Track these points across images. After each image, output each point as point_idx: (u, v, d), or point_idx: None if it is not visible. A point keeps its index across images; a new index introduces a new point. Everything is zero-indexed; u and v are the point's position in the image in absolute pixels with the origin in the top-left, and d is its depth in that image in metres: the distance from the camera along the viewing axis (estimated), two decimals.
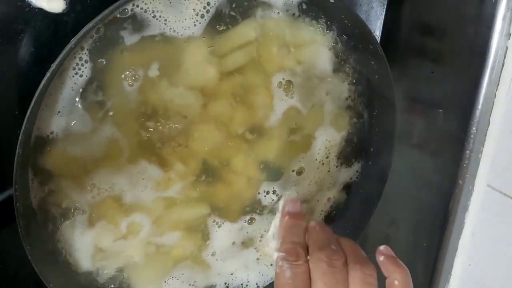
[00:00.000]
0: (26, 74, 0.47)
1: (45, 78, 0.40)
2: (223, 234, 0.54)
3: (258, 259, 0.57)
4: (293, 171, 0.56)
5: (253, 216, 0.55)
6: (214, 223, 0.54)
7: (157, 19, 0.45)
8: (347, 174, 0.59)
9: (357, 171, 0.59)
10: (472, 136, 0.51)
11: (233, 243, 0.55)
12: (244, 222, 0.55)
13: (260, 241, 0.57)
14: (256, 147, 0.53)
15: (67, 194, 0.47)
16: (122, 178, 0.49)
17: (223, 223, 0.54)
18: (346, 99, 0.56)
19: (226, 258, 0.55)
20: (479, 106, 0.51)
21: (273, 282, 0.58)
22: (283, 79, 0.52)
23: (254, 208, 0.55)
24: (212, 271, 0.55)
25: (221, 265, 0.55)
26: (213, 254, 0.55)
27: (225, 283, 0.57)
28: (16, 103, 0.47)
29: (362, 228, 0.58)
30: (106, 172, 0.48)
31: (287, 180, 0.56)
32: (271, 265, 0.58)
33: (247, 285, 0.58)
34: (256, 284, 0.58)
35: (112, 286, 0.52)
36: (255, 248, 0.57)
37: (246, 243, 0.56)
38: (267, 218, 0.56)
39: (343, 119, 0.57)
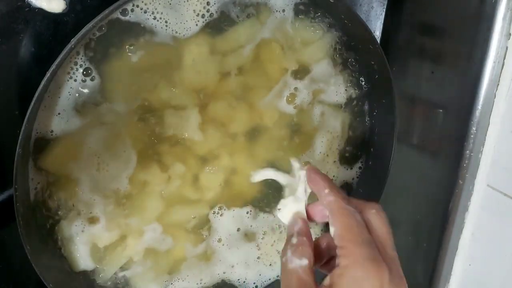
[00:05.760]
0: (26, 74, 0.47)
1: (45, 78, 0.40)
2: (226, 221, 0.55)
3: (258, 257, 0.57)
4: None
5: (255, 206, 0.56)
6: (217, 214, 0.54)
7: (157, 19, 0.45)
8: (348, 174, 0.59)
9: (357, 171, 0.59)
10: (472, 136, 0.51)
11: (238, 229, 0.55)
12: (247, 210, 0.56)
13: (262, 238, 0.57)
14: (257, 147, 0.53)
15: (67, 194, 0.47)
16: (122, 177, 0.49)
17: (224, 211, 0.54)
18: (346, 99, 0.56)
19: (231, 246, 0.56)
20: (479, 106, 0.51)
21: (270, 283, 0.58)
22: (283, 78, 0.52)
23: (257, 203, 0.56)
24: (216, 257, 0.56)
25: (226, 251, 0.56)
26: (219, 240, 0.55)
27: (224, 272, 0.57)
28: (16, 103, 0.47)
29: None
30: (105, 172, 0.48)
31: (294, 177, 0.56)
32: (270, 265, 0.58)
33: (244, 282, 0.58)
34: (254, 283, 0.58)
35: (112, 285, 0.52)
36: (257, 246, 0.57)
37: (248, 235, 0.56)
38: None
39: (343, 118, 0.57)
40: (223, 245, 0.55)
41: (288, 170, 0.55)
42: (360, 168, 0.59)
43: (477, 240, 0.54)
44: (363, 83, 0.56)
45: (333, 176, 0.58)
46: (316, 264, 0.40)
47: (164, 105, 0.48)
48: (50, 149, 0.46)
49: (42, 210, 0.47)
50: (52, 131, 0.45)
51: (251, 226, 0.56)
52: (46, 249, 0.47)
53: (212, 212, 0.54)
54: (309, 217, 0.41)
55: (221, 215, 0.54)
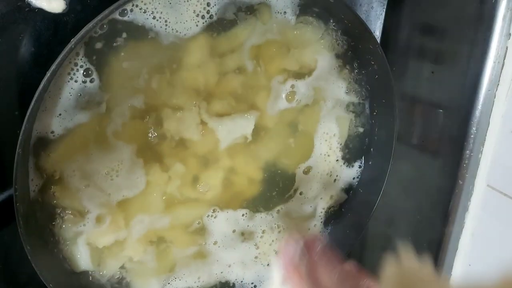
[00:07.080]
0: (26, 74, 0.47)
1: (45, 79, 0.40)
2: (221, 223, 0.55)
3: (256, 257, 0.57)
4: (300, 169, 0.56)
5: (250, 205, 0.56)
6: (211, 217, 0.54)
7: (156, 19, 0.45)
8: (348, 173, 0.59)
9: (357, 171, 0.59)
10: (472, 136, 0.51)
11: (234, 231, 0.55)
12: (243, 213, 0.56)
13: (261, 237, 0.57)
14: (257, 147, 0.53)
15: (67, 194, 0.47)
16: (122, 178, 0.49)
17: (218, 213, 0.54)
18: (346, 98, 0.56)
19: (227, 246, 0.56)
20: (479, 106, 0.51)
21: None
22: (283, 79, 0.52)
23: (256, 203, 0.56)
24: (212, 257, 0.55)
25: (222, 252, 0.56)
26: (215, 243, 0.55)
27: (221, 272, 0.56)
28: (16, 103, 0.47)
29: (362, 228, 0.58)
30: (106, 173, 0.48)
31: (296, 179, 0.57)
32: (268, 265, 0.58)
33: (242, 281, 0.58)
34: (252, 283, 0.58)
35: (112, 285, 0.52)
36: (255, 245, 0.57)
37: (246, 234, 0.56)
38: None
39: (343, 118, 0.57)
40: (219, 247, 0.55)
41: (286, 171, 0.55)
42: (360, 167, 0.59)
43: (477, 240, 0.54)
44: (363, 83, 0.56)
45: (336, 176, 0.58)
46: None
47: (164, 105, 0.48)
48: (51, 149, 0.46)
49: (42, 210, 0.47)
50: (52, 132, 0.45)
51: (247, 226, 0.56)
52: (46, 249, 0.47)
53: (207, 215, 0.54)
54: None
55: (215, 217, 0.54)
